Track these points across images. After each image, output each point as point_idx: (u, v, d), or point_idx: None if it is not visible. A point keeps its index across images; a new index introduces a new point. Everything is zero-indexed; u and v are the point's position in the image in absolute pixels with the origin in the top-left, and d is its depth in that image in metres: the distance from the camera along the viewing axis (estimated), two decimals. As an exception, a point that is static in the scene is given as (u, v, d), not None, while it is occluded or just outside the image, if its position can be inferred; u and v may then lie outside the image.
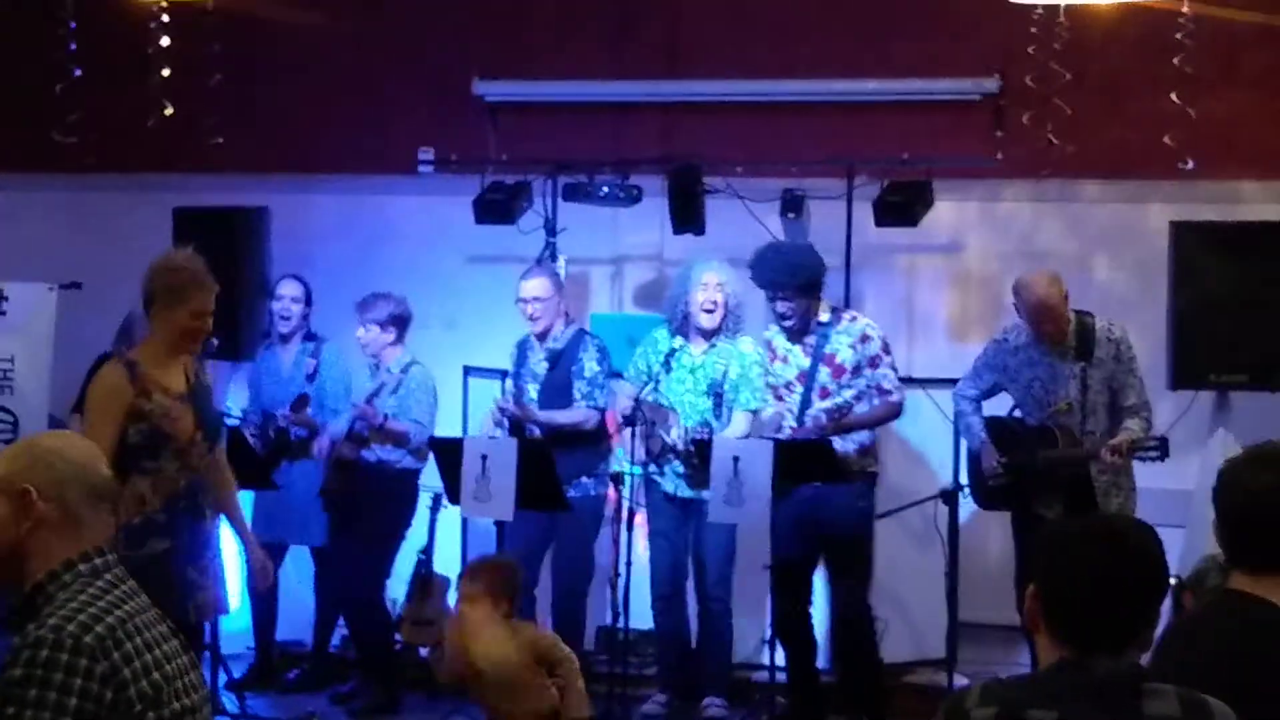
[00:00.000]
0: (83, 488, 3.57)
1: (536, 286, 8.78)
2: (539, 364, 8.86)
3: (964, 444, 8.75)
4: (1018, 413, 8.43)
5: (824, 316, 8.29)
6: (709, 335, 8.51)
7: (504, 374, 9.21)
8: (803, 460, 7.97)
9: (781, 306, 8.21)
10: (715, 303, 8.45)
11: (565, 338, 8.86)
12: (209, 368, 7.25)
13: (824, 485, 8.04)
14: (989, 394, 8.48)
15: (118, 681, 3.33)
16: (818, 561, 8.40)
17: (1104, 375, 8.10)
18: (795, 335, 8.29)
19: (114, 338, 8.59)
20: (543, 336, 8.85)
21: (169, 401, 6.45)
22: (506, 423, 8.71)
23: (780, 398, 8.39)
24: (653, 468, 8.53)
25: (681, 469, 8.44)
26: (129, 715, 3.34)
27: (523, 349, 8.97)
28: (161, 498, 6.33)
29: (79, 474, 3.58)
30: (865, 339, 8.25)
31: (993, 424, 8.43)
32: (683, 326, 8.50)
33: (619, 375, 8.87)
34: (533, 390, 8.82)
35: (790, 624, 8.34)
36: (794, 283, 8.17)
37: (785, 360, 8.35)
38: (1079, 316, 8.18)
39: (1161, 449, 7.88)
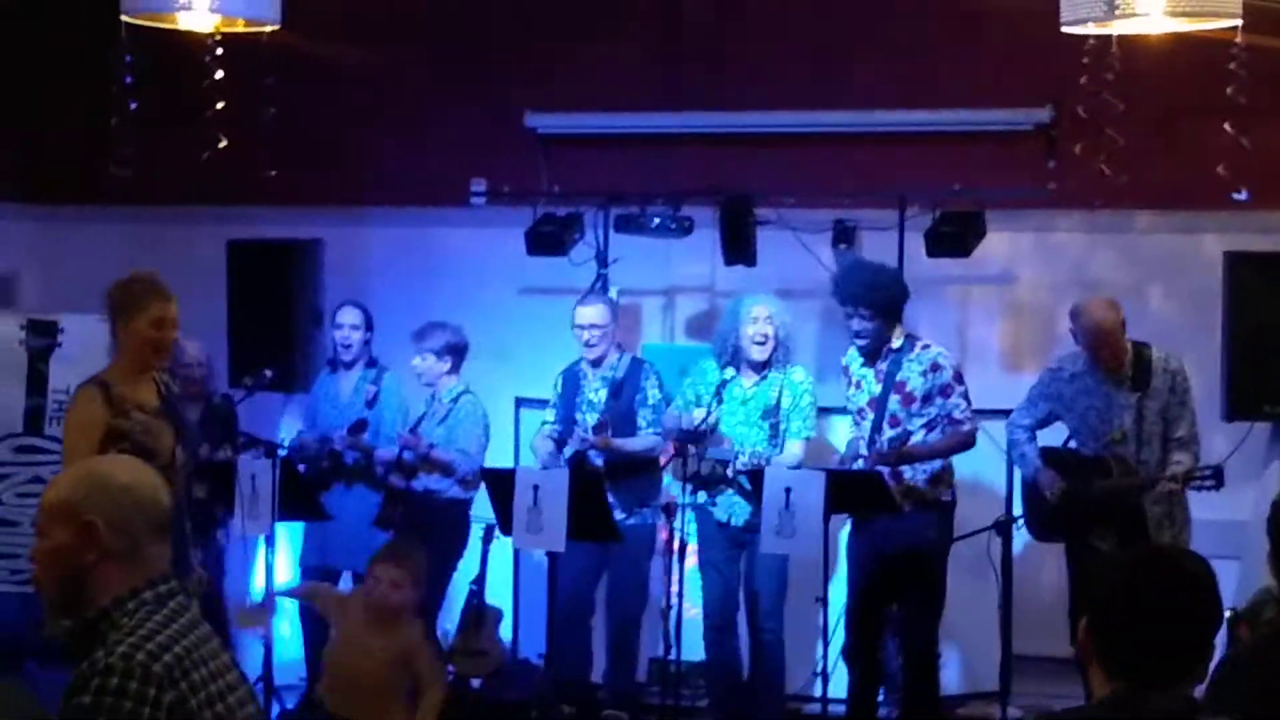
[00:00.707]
0: (146, 519, 3.55)
1: (595, 314, 8.82)
2: (596, 393, 8.88)
3: (1018, 474, 8.71)
4: (1073, 444, 8.39)
5: (897, 343, 8.25)
6: (760, 368, 8.51)
7: (530, 403, 9.22)
8: (855, 491, 7.95)
9: (857, 324, 8.19)
10: (766, 335, 8.44)
11: (623, 366, 8.89)
12: (255, 398, 7.30)
13: (897, 515, 7.99)
14: (1044, 423, 8.44)
15: (185, 711, 3.32)
16: (890, 591, 8.33)
17: (1159, 406, 8.06)
18: (868, 358, 8.27)
19: None
20: (597, 364, 8.87)
21: (147, 418, 6.49)
22: (567, 453, 8.74)
23: (856, 425, 8.37)
24: (704, 496, 8.53)
25: (736, 496, 8.44)
26: (195, 746, 3.34)
27: (575, 379, 8.98)
28: None
29: (141, 505, 3.55)
30: (937, 368, 8.20)
31: (1048, 454, 8.39)
32: (733, 360, 8.49)
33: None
34: (590, 419, 8.82)
35: (860, 653, 8.30)
36: (874, 300, 8.15)
37: (859, 386, 8.33)
38: (1136, 347, 8.14)
39: (1217, 478, 7.83)
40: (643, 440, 8.80)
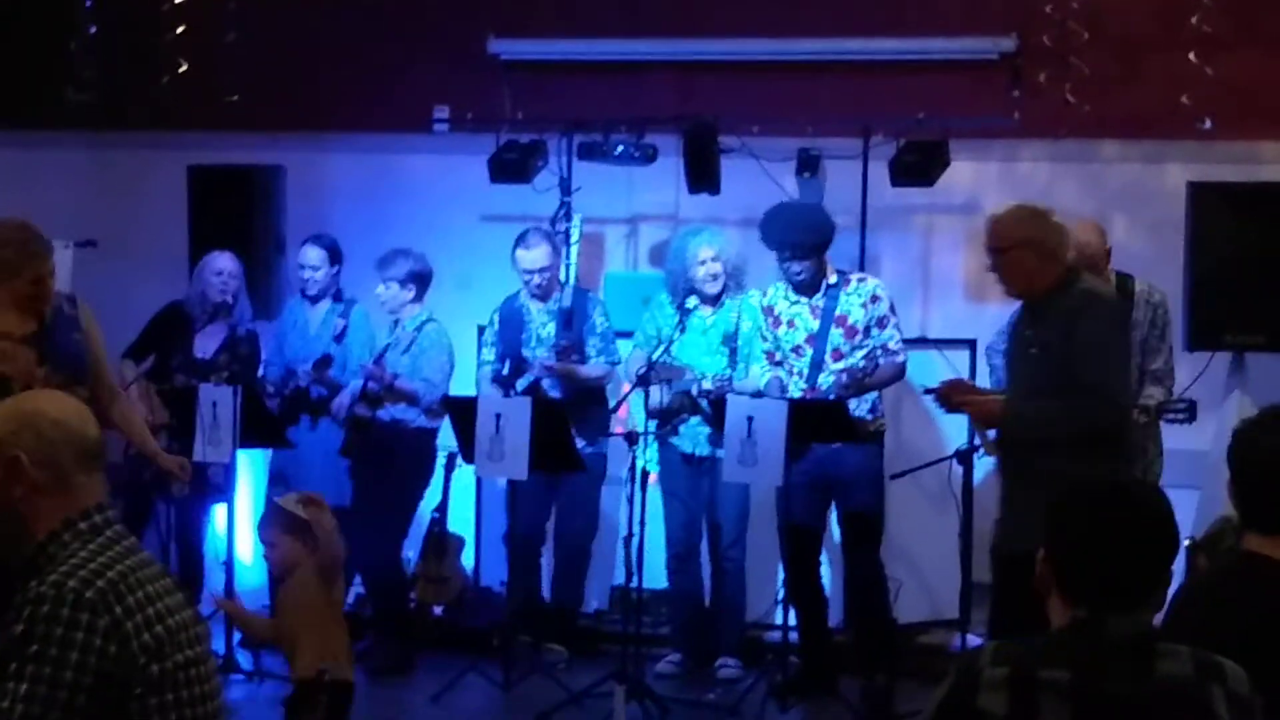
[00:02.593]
0: (73, 450, 3.55)
1: (540, 256, 8.83)
2: (545, 327, 8.87)
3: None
4: None
5: (832, 278, 8.28)
6: (714, 300, 8.54)
7: (483, 332, 9.22)
8: (817, 421, 7.96)
9: (794, 266, 8.20)
10: (715, 274, 8.51)
11: (568, 296, 8.89)
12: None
13: (839, 447, 8.04)
14: None
15: (120, 635, 3.34)
16: (828, 522, 8.42)
17: (1139, 337, 8.05)
18: (804, 291, 8.28)
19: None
20: (544, 298, 8.87)
21: (4, 344, 6.54)
22: (520, 387, 8.76)
23: (779, 362, 8.37)
24: (666, 428, 8.56)
25: (699, 425, 8.46)
26: (132, 668, 3.34)
27: (517, 314, 8.98)
28: None
29: (69, 437, 3.55)
30: (875, 299, 8.24)
31: None
32: (686, 295, 8.51)
33: (622, 335, 8.90)
34: (541, 354, 8.83)
35: (801, 585, 8.35)
36: (807, 242, 8.17)
37: (792, 325, 8.33)
38: (1119, 277, 8.13)
39: (1189, 412, 7.85)
40: (595, 368, 8.86)
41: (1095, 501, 3.24)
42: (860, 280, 8.33)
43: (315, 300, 9.26)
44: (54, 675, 3.27)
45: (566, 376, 8.76)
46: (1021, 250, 6.45)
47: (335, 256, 9.21)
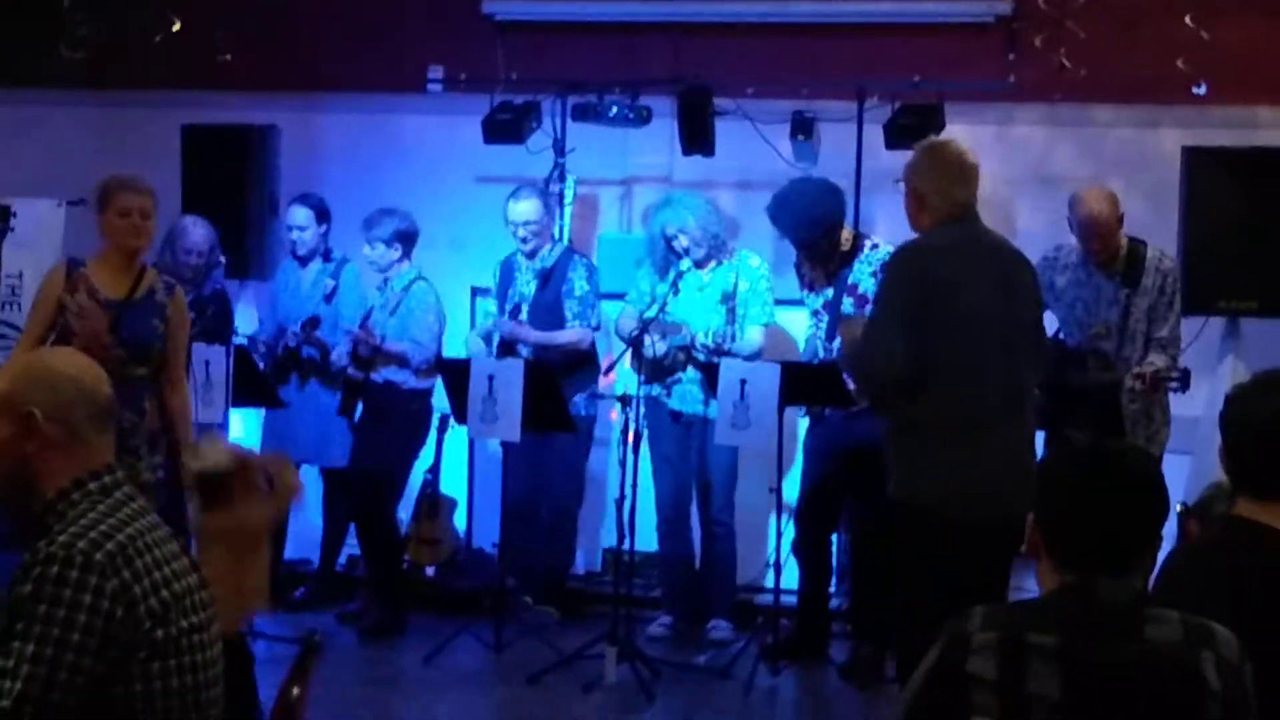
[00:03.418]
0: (86, 408, 3.55)
1: (529, 209, 8.81)
2: (528, 284, 8.88)
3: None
4: (1062, 335, 8.36)
5: (845, 246, 8.27)
6: (701, 264, 8.53)
7: (486, 292, 9.23)
8: (811, 383, 7.96)
9: (808, 263, 8.28)
10: (684, 248, 8.49)
11: (554, 256, 8.89)
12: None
13: (856, 412, 7.99)
14: None
15: (127, 598, 3.33)
16: (843, 486, 8.36)
17: (1147, 304, 8.02)
18: (819, 264, 8.30)
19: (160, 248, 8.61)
20: (531, 255, 8.87)
21: (87, 301, 6.99)
22: (494, 344, 8.77)
23: (816, 323, 8.39)
24: (658, 389, 8.55)
25: (692, 385, 8.45)
26: (137, 631, 3.34)
27: (509, 269, 9.01)
28: None
29: (82, 394, 3.56)
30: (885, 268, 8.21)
31: None
32: (667, 265, 8.53)
33: (614, 297, 8.89)
34: (523, 311, 8.85)
35: (811, 550, 8.35)
36: (804, 234, 8.19)
37: (813, 288, 8.37)
38: (1131, 243, 8.10)
39: (1183, 381, 7.83)
40: (567, 334, 8.84)
41: (1084, 466, 3.24)
42: (873, 247, 8.27)
43: (305, 261, 9.25)
44: (61, 637, 3.26)
45: (523, 341, 8.78)
46: (907, 189, 6.16)
47: (323, 216, 9.19)
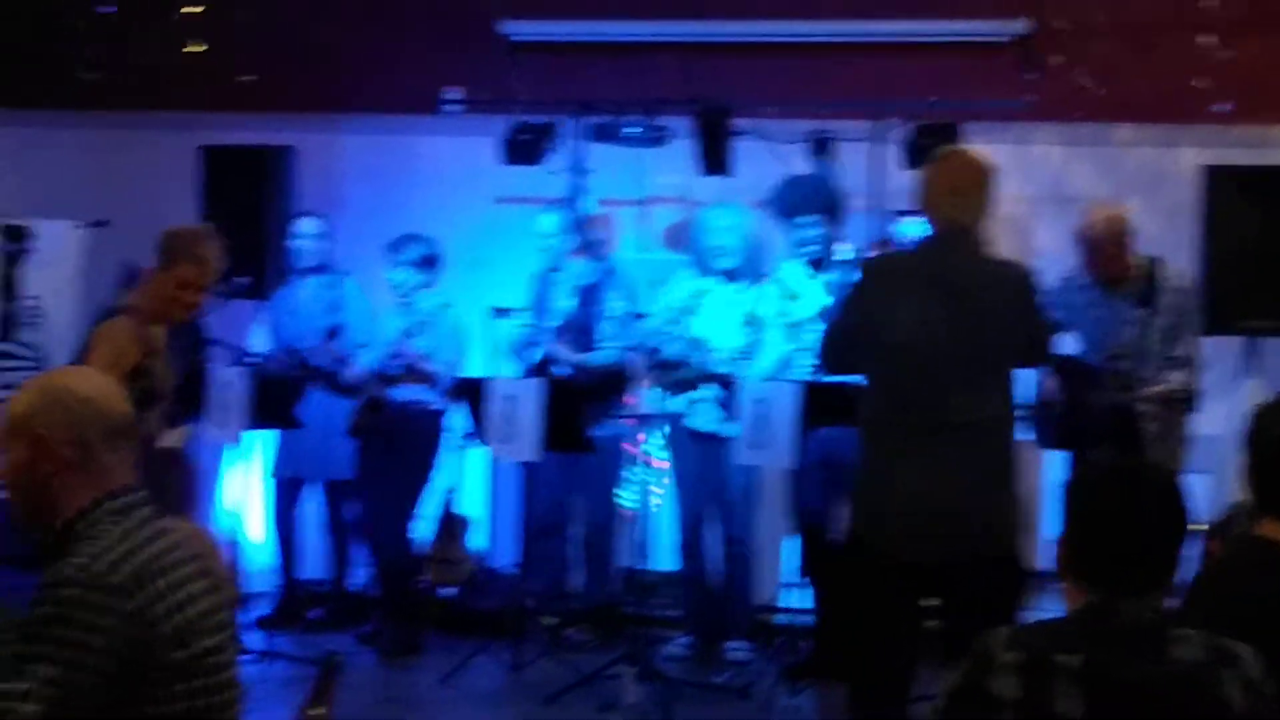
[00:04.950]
0: (101, 428, 3.54)
1: (548, 223, 8.87)
2: (564, 299, 8.88)
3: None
4: (1085, 354, 8.32)
5: (847, 255, 8.28)
6: (732, 277, 8.52)
7: (506, 312, 9.23)
8: (831, 401, 7.95)
9: (806, 233, 8.22)
10: (725, 246, 8.47)
11: (593, 275, 8.89)
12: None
13: (845, 428, 8.00)
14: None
15: (145, 621, 3.33)
16: (842, 498, 8.37)
17: (1165, 324, 7.99)
18: (815, 266, 8.28)
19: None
20: (555, 269, 8.88)
21: (162, 366, 6.90)
22: (534, 361, 8.78)
23: (796, 338, 8.37)
24: (682, 404, 8.54)
25: (713, 397, 8.46)
26: (155, 653, 3.34)
27: (546, 284, 8.99)
28: None
29: (97, 414, 3.55)
30: None
31: (1058, 361, 8.27)
32: (705, 269, 8.52)
33: (643, 316, 8.90)
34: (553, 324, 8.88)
35: (816, 567, 8.35)
36: (818, 204, 8.19)
37: (802, 299, 8.34)
38: (1148, 262, 8.08)
39: (1188, 402, 7.81)
40: (602, 355, 8.84)
41: (1107, 485, 3.26)
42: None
43: (304, 275, 9.25)
44: (78, 659, 3.27)
45: (561, 361, 8.79)
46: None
47: (327, 230, 9.23)
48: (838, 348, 5.86)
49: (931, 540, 5.35)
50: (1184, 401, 7.79)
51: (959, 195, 5.76)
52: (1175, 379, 7.87)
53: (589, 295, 8.87)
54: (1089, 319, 8.10)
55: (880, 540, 5.50)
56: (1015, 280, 5.74)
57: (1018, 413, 5.75)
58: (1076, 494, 3.30)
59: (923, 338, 5.50)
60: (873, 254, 6.30)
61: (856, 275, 6.00)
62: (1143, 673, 3.09)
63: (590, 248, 9.03)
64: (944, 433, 5.47)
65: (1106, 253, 7.84)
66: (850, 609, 5.80)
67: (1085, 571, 3.21)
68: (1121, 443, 7.83)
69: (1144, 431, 7.86)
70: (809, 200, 8.24)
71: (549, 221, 8.87)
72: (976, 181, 5.83)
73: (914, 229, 7.88)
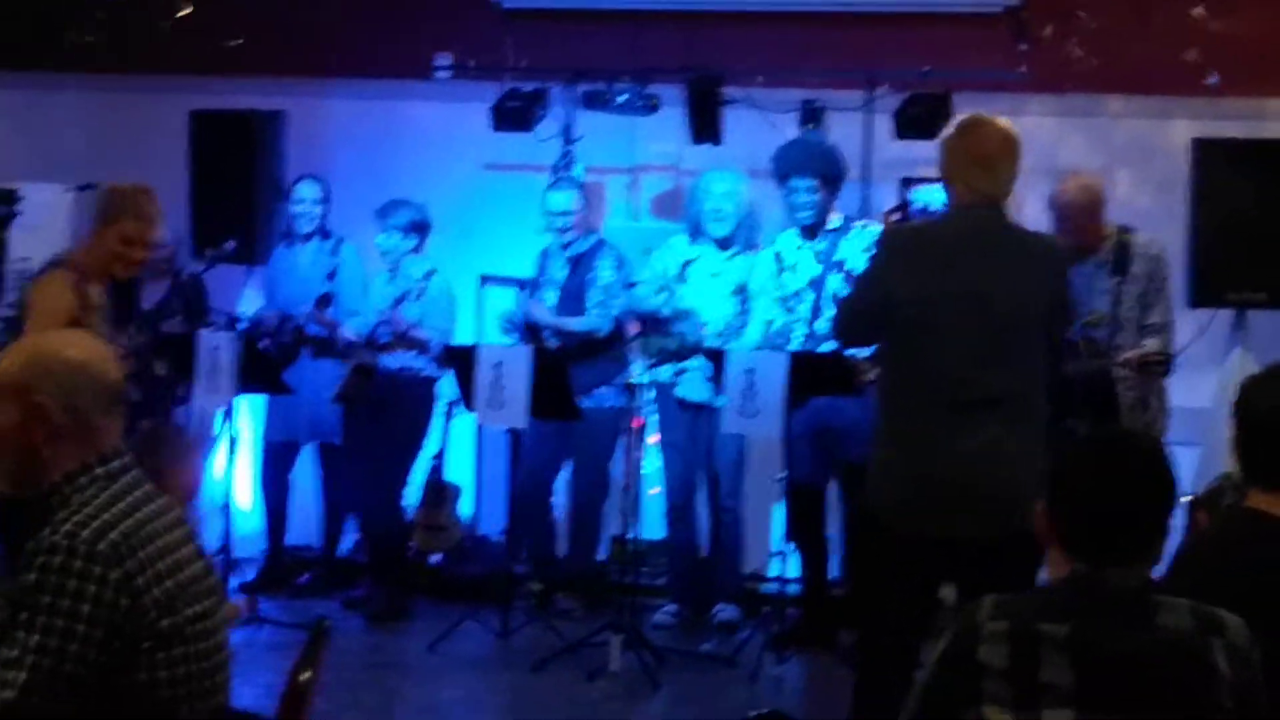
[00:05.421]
0: (95, 393, 3.52)
1: (564, 200, 8.85)
2: (559, 270, 8.88)
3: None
4: None
5: (835, 223, 8.28)
6: (725, 244, 8.50)
7: (495, 279, 9.22)
8: (818, 372, 7.95)
9: (802, 197, 8.21)
10: (721, 211, 8.45)
11: (585, 245, 8.88)
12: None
13: (837, 398, 8.01)
14: None
15: (132, 588, 3.32)
16: (832, 472, 8.40)
17: (1138, 291, 7.99)
18: (808, 234, 8.28)
19: None
20: (566, 244, 8.87)
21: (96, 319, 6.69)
22: (519, 327, 8.77)
23: (790, 309, 8.37)
24: (668, 374, 8.54)
25: (701, 367, 8.44)
26: (143, 621, 3.33)
27: (546, 256, 9.01)
28: None
29: (91, 380, 3.52)
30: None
31: None
32: (697, 235, 8.52)
33: (633, 284, 8.89)
34: (551, 297, 8.85)
35: (804, 536, 8.36)
36: (817, 168, 8.19)
37: (794, 269, 8.34)
38: (1120, 231, 8.08)
39: (1165, 365, 7.81)
40: (582, 320, 8.82)
41: (1093, 454, 3.26)
42: (863, 226, 8.31)
43: (306, 239, 9.24)
44: (65, 628, 3.26)
45: (538, 319, 8.82)
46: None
47: (327, 195, 9.20)
48: (858, 321, 5.72)
49: (971, 516, 5.23)
50: (1159, 364, 7.77)
51: (987, 167, 5.68)
52: (1150, 345, 7.88)
53: (580, 263, 8.86)
54: None
55: (908, 516, 5.37)
56: (1045, 253, 5.71)
57: None
58: (1063, 463, 3.30)
59: (956, 311, 5.36)
60: (890, 224, 6.22)
61: (873, 247, 5.89)
62: (1131, 642, 3.09)
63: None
64: (981, 408, 5.33)
65: (1079, 222, 7.83)
66: (865, 582, 5.75)
67: (1072, 540, 3.21)
68: (1098, 411, 7.84)
69: (1121, 399, 7.88)
70: (807, 163, 8.23)
71: (561, 199, 8.83)
72: (1006, 152, 5.75)
73: (929, 196, 7.88)
